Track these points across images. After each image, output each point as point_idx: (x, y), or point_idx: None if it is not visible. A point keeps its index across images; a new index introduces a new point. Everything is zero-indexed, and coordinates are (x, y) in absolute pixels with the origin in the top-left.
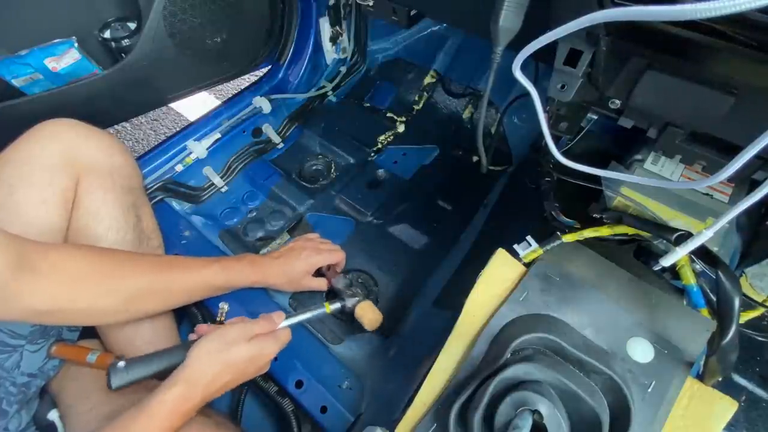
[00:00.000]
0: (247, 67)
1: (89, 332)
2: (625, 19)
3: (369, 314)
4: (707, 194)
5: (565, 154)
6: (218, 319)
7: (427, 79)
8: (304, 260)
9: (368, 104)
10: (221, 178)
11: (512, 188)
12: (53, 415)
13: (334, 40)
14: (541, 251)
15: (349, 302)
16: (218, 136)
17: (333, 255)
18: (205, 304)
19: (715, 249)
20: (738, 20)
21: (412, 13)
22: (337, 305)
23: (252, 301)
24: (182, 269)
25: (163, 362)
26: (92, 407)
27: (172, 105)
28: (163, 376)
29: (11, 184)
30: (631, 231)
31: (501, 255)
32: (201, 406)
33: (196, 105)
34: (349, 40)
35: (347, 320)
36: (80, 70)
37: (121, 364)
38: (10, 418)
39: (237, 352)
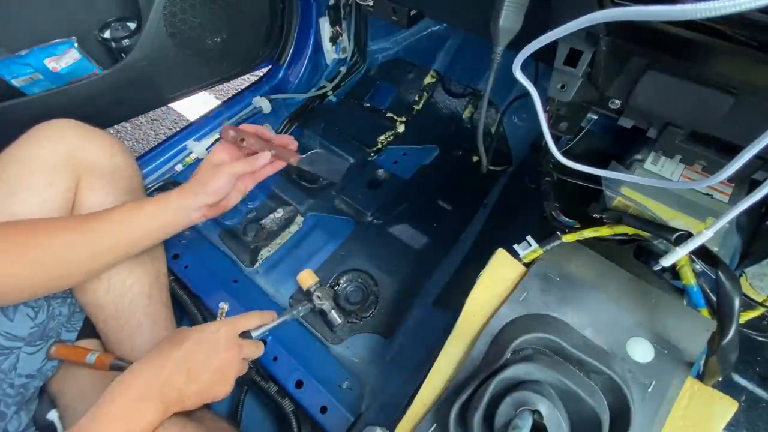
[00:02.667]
0: (247, 67)
1: (88, 332)
2: (625, 19)
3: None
4: (707, 194)
5: (565, 154)
6: (218, 318)
7: (427, 79)
8: (221, 174)
9: (368, 104)
10: None
11: (512, 188)
12: (53, 415)
13: (334, 40)
14: (541, 251)
15: (317, 303)
16: (218, 136)
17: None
18: (205, 305)
19: (715, 249)
20: (738, 20)
21: (412, 13)
22: (307, 307)
23: (252, 301)
24: (101, 222)
25: None
26: (92, 404)
27: (172, 105)
28: None
29: (11, 184)
30: (631, 231)
31: (501, 255)
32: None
33: (196, 105)
34: (349, 40)
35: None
36: (80, 70)
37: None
38: (9, 420)
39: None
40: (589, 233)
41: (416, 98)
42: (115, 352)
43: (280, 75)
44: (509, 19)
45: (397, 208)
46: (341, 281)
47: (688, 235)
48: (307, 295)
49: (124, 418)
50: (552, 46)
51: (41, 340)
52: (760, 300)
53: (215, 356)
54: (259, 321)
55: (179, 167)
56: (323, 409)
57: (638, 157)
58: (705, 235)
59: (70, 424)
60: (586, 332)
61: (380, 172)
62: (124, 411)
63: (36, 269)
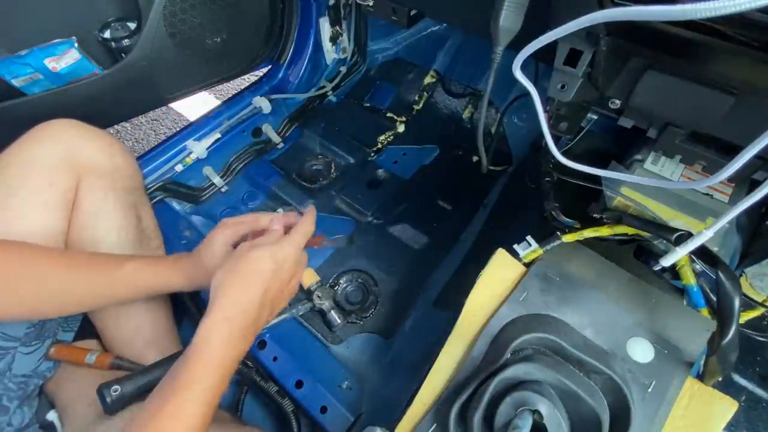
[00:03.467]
0: (247, 67)
1: (87, 333)
2: (625, 19)
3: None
4: (707, 194)
5: (565, 154)
6: None
7: (427, 79)
8: (213, 239)
9: (368, 104)
10: (221, 178)
11: (512, 188)
12: (52, 416)
13: (334, 40)
14: (541, 251)
15: (317, 303)
16: (218, 136)
17: (249, 221)
18: (205, 305)
19: (715, 249)
20: (738, 20)
21: (412, 13)
22: (307, 306)
23: None
24: (92, 269)
25: (157, 375)
26: (90, 404)
27: (172, 105)
28: None
29: (11, 185)
30: (631, 231)
31: (501, 255)
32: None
33: (196, 105)
34: (349, 40)
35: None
36: (80, 70)
37: (115, 388)
38: (13, 414)
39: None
40: (589, 233)
41: (416, 98)
42: (115, 353)
43: (280, 75)
44: (509, 19)
45: (397, 208)
46: (341, 281)
47: (688, 235)
48: (308, 294)
49: (221, 364)
50: (552, 46)
51: (37, 340)
52: (760, 300)
53: (292, 282)
54: (311, 224)
55: (179, 167)
56: (323, 409)
57: (638, 157)
58: (705, 235)
59: (68, 424)
60: (586, 332)
61: (380, 172)
62: (220, 356)
63: (6, 297)
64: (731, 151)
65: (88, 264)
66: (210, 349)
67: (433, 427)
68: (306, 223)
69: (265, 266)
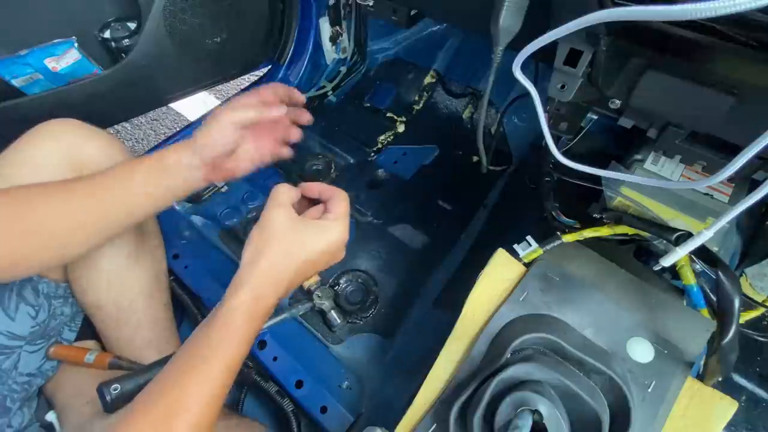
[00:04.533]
0: (247, 67)
1: (86, 333)
2: (625, 19)
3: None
4: (707, 194)
5: (565, 154)
6: None
7: (427, 79)
8: (221, 118)
9: (368, 104)
10: None
11: (512, 188)
12: (51, 416)
13: (334, 40)
14: (541, 251)
15: (317, 303)
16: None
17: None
18: (205, 305)
19: (715, 249)
20: (738, 20)
21: (412, 13)
22: (307, 305)
23: None
24: (96, 185)
25: (155, 374)
26: (89, 401)
27: (172, 105)
28: None
29: (12, 184)
30: (631, 231)
31: (501, 255)
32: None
33: (196, 105)
34: (349, 40)
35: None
36: (80, 70)
37: (115, 386)
38: (13, 415)
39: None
40: (589, 233)
41: (416, 98)
42: (115, 353)
43: (280, 75)
44: (509, 19)
45: (397, 208)
46: (341, 281)
47: (688, 235)
48: (308, 294)
49: (245, 338)
50: (552, 46)
51: (42, 339)
52: (760, 300)
53: (337, 256)
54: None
55: None
56: (323, 409)
57: (638, 157)
58: (705, 235)
59: (68, 423)
60: (586, 332)
61: (380, 172)
62: (244, 330)
63: (31, 239)
64: (731, 151)
65: (102, 186)
66: (234, 325)
67: (433, 427)
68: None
69: (310, 247)
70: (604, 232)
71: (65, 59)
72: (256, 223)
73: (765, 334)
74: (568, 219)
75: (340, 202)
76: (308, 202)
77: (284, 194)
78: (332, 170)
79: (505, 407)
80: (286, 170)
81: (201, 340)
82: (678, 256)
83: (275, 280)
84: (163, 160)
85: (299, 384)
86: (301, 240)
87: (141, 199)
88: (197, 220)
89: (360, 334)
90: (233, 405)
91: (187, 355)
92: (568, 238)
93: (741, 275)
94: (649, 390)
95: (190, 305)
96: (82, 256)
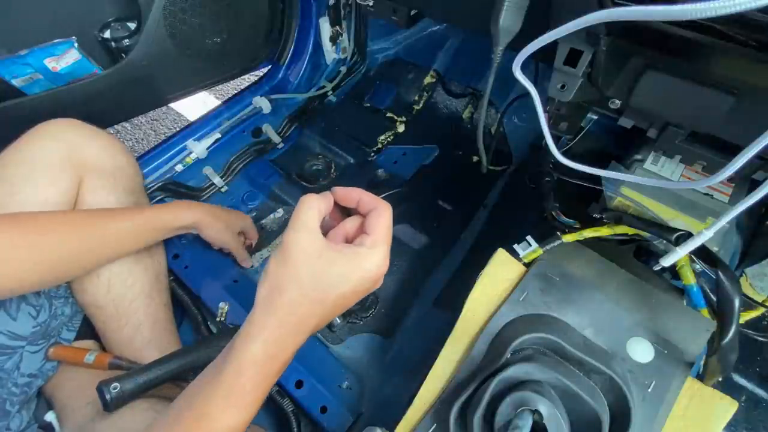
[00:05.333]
0: (247, 67)
1: (86, 333)
2: (625, 19)
3: None
4: (707, 194)
5: (565, 154)
6: (218, 318)
7: (427, 79)
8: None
9: (368, 104)
10: (221, 178)
11: (512, 188)
12: (50, 417)
13: (334, 40)
14: (541, 251)
15: None
16: (218, 136)
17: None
18: (205, 305)
19: (715, 249)
20: (738, 20)
21: (412, 13)
22: None
23: (252, 301)
24: (107, 219)
25: (156, 373)
26: (89, 401)
27: (172, 105)
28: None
29: (12, 183)
30: (631, 231)
31: (501, 255)
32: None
33: (196, 105)
34: (349, 40)
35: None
36: (80, 70)
37: (114, 385)
38: (12, 418)
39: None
40: (589, 233)
41: (416, 98)
42: (115, 353)
43: (280, 75)
44: (509, 19)
45: (397, 208)
46: None
47: (688, 235)
48: None
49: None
50: (552, 46)
51: (43, 339)
52: (760, 300)
53: (372, 288)
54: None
55: (179, 167)
56: (323, 409)
57: (638, 157)
58: (705, 235)
59: (67, 423)
60: (586, 332)
61: (380, 172)
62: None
63: (38, 266)
64: (731, 151)
65: (112, 216)
66: (242, 389)
67: (433, 427)
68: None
69: (340, 281)
70: (604, 232)
71: (65, 59)
72: (276, 250)
73: (765, 334)
74: (568, 219)
75: (382, 220)
76: (342, 213)
77: (310, 211)
78: (332, 170)
79: (505, 407)
80: (286, 170)
81: (201, 400)
82: (678, 256)
83: (295, 330)
84: (168, 211)
85: (299, 384)
86: (329, 275)
87: (148, 231)
88: None
89: (360, 334)
90: None
91: (184, 419)
92: (568, 238)
93: (741, 275)
94: (649, 390)
95: (190, 305)
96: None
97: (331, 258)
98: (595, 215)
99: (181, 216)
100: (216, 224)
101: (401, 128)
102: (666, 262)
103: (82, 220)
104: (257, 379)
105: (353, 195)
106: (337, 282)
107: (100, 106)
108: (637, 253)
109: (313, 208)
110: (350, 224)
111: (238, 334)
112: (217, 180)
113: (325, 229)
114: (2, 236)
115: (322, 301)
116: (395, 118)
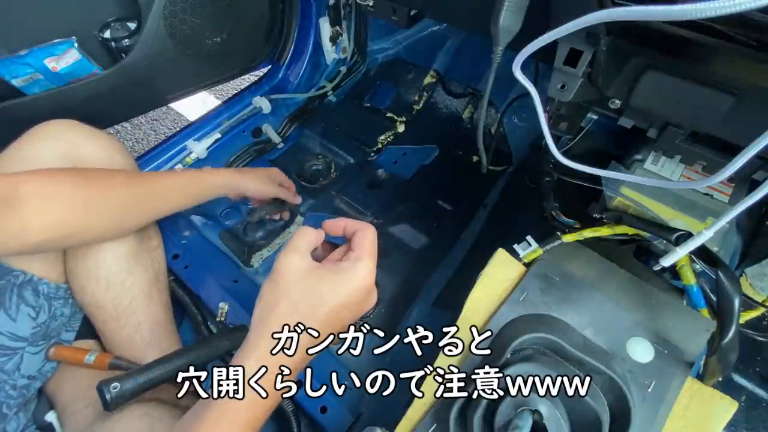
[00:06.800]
0: (247, 67)
1: (86, 333)
2: (625, 19)
3: None
4: (707, 194)
5: (565, 154)
6: (218, 318)
7: (427, 79)
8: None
9: (368, 104)
10: None
11: (512, 188)
12: (51, 417)
13: (334, 40)
14: (541, 251)
15: None
16: (218, 136)
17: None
18: (205, 305)
19: (715, 249)
20: (738, 20)
21: (412, 13)
22: None
23: (252, 301)
24: (156, 180)
25: (156, 373)
26: (89, 404)
27: (172, 105)
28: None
29: None
30: (631, 231)
31: (501, 255)
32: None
33: (196, 105)
34: (349, 40)
35: None
36: (80, 70)
37: (114, 385)
38: (9, 421)
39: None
40: (589, 233)
41: (416, 98)
42: (115, 353)
43: (280, 75)
44: (509, 19)
45: (397, 208)
46: None
47: (688, 235)
48: None
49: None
50: (552, 46)
51: (44, 340)
52: (760, 300)
53: (365, 304)
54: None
55: (179, 167)
56: (323, 409)
57: (638, 157)
58: (705, 235)
59: (68, 423)
60: (586, 332)
61: (380, 172)
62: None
63: (98, 216)
64: (731, 151)
65: (157, 175)
66: (237, 414)
67: (433, 427)
68: (369, 241)
69: (330, 297)
70: (604, 232)
71: (65, 59)
72: (268, 275)
73: (765, 334)
74: (568, 219)
75: (363, 237)
76: (333, 249)
77: (302, 238)
78: (332, 170)
79: (505, 407)
80: (286, 170)
81: (195, 425)
82: (678, 256)
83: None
84: (203, 176)
85: (299, 384)
86: (318, 289)
87: (179, 195)
88: (197, 220)
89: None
90: None
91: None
92: (568, 238)
93: (741, 275)
94: (649, 390)
95: (190, 305)
96: (95, 249)
97: (318, 274)
98: (595, 215)
99: (220, 173)
100: (256, 177)
101: (401, 128)
102: (666, 262)
103: (132, 177)
104: (249, 401)
105: (339, 224)
106: (326, 296)
107: (100, 106)
108: (637, 253)
109: (306, 236)
110: (338, 253)
111: (235, 356)
112: None
113: (317, 261)
114: (66, 187)
115: (313, 315)
116: (395, 118)
